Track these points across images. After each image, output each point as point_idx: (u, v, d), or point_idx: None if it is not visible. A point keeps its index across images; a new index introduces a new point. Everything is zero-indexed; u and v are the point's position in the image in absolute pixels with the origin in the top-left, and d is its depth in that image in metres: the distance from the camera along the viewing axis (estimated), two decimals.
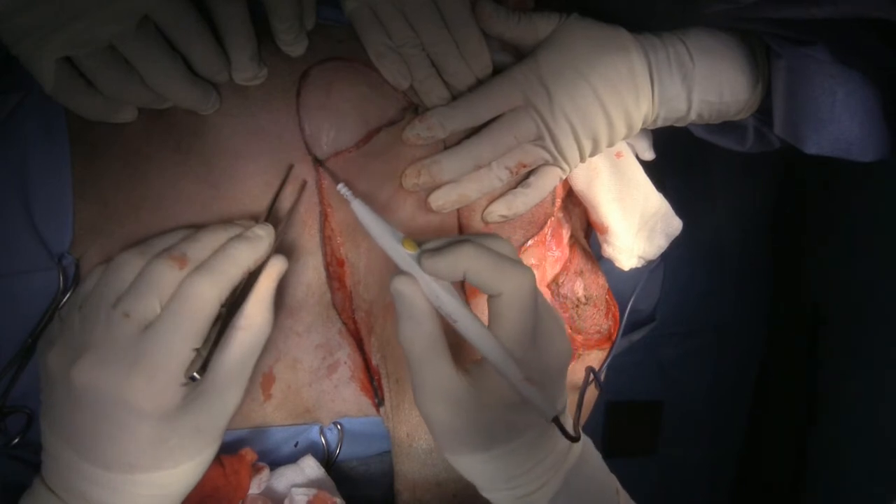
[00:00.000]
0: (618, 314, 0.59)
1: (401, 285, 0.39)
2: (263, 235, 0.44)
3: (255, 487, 0.49)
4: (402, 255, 0.40)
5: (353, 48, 0.50)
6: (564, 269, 0.57)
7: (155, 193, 0.47)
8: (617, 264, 0.58)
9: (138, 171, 0.47)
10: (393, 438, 0.53)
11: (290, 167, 0.49)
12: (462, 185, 0.50)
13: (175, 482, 0.40)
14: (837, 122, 0.47)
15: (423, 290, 0.39)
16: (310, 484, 0.51)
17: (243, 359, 0.41)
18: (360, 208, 0.42)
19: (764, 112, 0.51)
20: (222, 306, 0.41)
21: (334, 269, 0.52)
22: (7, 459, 0.48)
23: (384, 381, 0.52)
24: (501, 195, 0.51)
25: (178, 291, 0.39)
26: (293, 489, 0.50)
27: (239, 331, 0.41)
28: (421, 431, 0.52)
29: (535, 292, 0.40)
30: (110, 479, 0.38)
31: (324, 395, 0.52)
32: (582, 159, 0.51)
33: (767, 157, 0.57)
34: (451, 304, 0.39)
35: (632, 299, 0.62)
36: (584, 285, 0.58)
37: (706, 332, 0.70)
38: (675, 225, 0.59)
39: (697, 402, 0.71)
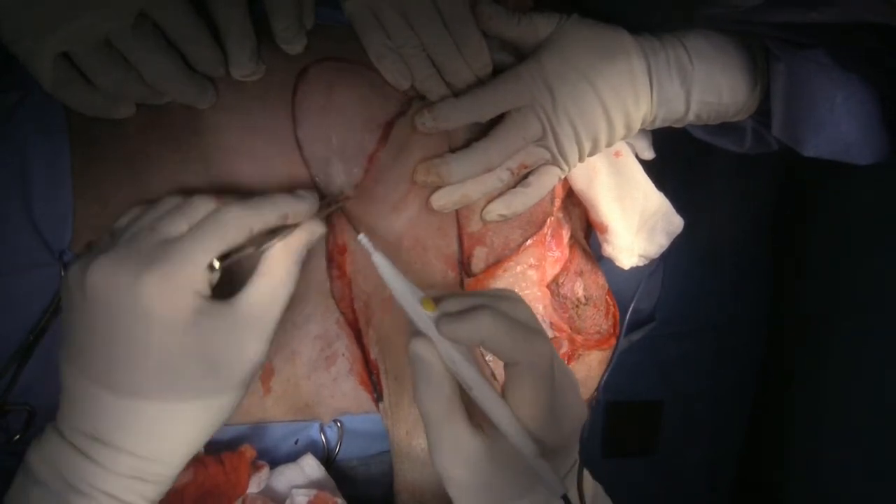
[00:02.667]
0: (617, 314, 0.59)
1: (418, 348, 0.40)
2: (307, 196, 0.44)
3: (254, 486, 0.49)
4: (422, 316, 0.40)
5: (353, 49, 0.50)
6: (564, 269, 0.57)
7: (154, 191, 0.47)
8: (617, 263, 0.58)
9: (138, 169, 0.47)
10: (392, 437, 0.53)
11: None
12: (465, 185, 0.50)
13: (181, 426, 0.39)
14: (836, 125, 0.47)
15: (440, 354, 0.40)
16: (310, 484, 0.52)
17: (263, 306, 0.41)
18: (381, 262, 0.42)
19: (762, 114, 0.52)
20: (255, 247, 0.41)
21: (336, 256, 0.52)
22: (8, 456, 0.48)
23: (383, 378, 0.52)
24: (500, 194, 0.52)
25: (209, 214, 0.40)
26: (294, 490, 0.50)
27: (260, 277, 0.41)
28: (420, 430, 0.52)
29: (553, 360, 0.40)
30: (116, 406, 0.38)
31: (323, 390, 0.53)
32: (581, 159, 0.51)
33: (767, 157, 0.57)
34: (467, 372, 0.39)
35: (634, 300, 0.62)
36: (583, 285, 0.58)
37: (706, 332, 0.70)
38: (676, 223, 0.59)
39: (697, 402, 0.71)
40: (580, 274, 0.58)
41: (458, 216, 0.53)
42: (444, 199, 0.50)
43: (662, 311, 0.67)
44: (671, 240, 0.60)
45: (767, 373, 0.73)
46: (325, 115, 0.50)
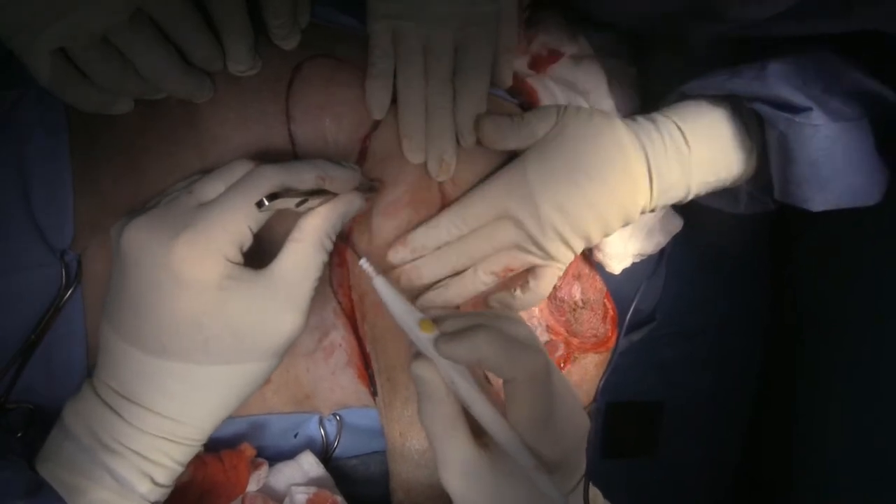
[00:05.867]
0: (616, 318, 0.59)
1: (419, 370, 0.41)
2: (349, 165, 0.44)
3: (253, 484, 0.50)
4: (420, 338, 0.41)
5: (346, 49, 0.50)
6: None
7: (152, 186, 0.47)
8: (608, 269, 0.58)
9: (136, 164, 0.48)
10: (386, 437, 0.53)
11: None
12: (448, 290, 0.50)
13: (207, 390, 0.40)
14: (841, 178, 0.47)
15: (440, 373, 0.40)
16: (309, 481, 0.52)
17: (296, 273, 0.41)
18: (381, 286, 0.42)
19: (759, 177, 0.52)
20: (296, 203, 0.40)
21: (337, 243, 0.52)
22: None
23: (377, 377, 0.53)
24: (501, 291, 0.52)
25: (245, 174, 0.40)
26: (293, 487, 0.50)
27: (293, 242, 0.41)
28: (414, 430, 0.52)
29: (549, 375, 0.41)
30: (144, 365, 0.38)
31: (322, 383, 0.53)
32: (577, 252, 0.50)
33: None
34: (465, 390, 0.40)
35: (634, 302, 0.62)
36: (581, 289, 0.57)
37: (706, 332, 0.70)
38: (676, 223, 0.59)
39: (697, 402, 0.71)
40: (578, 277, 0.58)
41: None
42: (427, 303, 0.51)
43: (662, 311, 0.66)
44: (669, 238, 0.60)
45: (767, 373, 0.72)
46: (321, 113, 0.50)
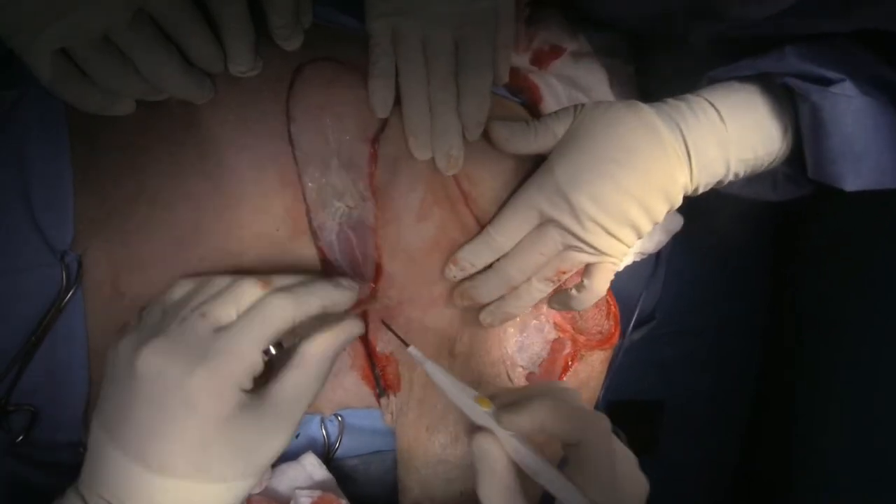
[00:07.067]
0: (618, 314, 0.59)
1: (483, 443, 0.41)
2: (348, 286, 0.45)
3: (256, 486, 0.49)
4: (481, 413, 0.41)
5: (347, 49, 0.50)
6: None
7: (152, 186, 0.47)
8: None
9: (136, 165, 0.47)
10: (404, 435, 0.53)
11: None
12: (506, 302, 0.51)
13: None
14: (873, 154, 0.47)
15: (504, 446, 0.41)
16: (312, 483, 0.52)
17: (293, 399, 0.41)
18: (434, 370, 0.43)
19: (794, 158, 0.51)
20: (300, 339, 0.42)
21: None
22: (11, 458, 0.48)
23: (404, 372, 0.52)
24: (557, 293, 0.52)
25: (256, 303, 0.40)
26: (297, 491, 0.50)
27: (293, 370, 0.41)
28: (443, 423, 0.53)
29: (612, 437, 0.41)
30: (143, 480, 0.38)
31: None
32: (629, 245, 0.50)
33: None
34: (532, 460, 0.40)
35: (639, 302, 0.62)
36: None
37: (706, 331, 0.70)
38: (676, 221, 0.59)
39: (698, 402, 0.71)
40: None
41: (476, 219, 0.53)
42: (489, 318, 0.52)
43: (662, 310, 0.67)
44: (670, 237, 0.60)
45: (766, 373, 0.73)
46: (322, 113, 0.50)
